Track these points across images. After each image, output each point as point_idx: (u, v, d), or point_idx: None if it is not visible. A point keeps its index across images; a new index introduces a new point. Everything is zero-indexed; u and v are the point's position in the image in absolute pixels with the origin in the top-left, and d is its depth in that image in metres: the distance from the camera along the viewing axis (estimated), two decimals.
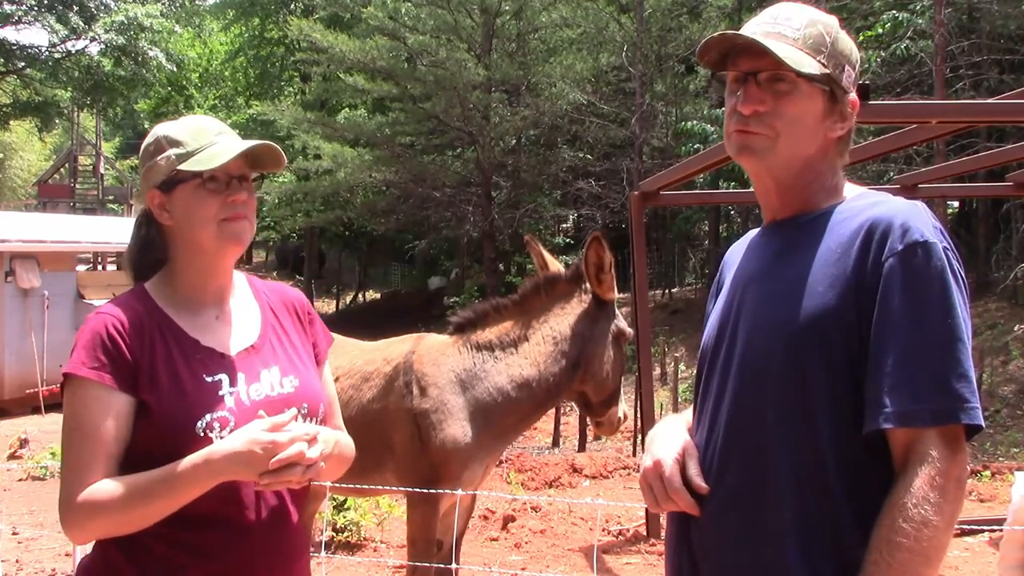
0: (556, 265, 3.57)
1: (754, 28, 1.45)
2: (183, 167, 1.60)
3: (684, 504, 1.42)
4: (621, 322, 3.47)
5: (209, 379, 1.60)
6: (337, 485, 3.41)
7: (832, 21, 1.49)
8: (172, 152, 1.62)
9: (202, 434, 1.55)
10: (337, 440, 1.69)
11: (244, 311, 1.73)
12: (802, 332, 1.35)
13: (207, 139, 1.63)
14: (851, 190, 1.50)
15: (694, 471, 1.43)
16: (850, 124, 1.48)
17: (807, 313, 1.35)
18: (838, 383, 1.33)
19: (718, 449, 1.44)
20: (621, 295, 19.53)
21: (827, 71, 1.43)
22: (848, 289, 1.33)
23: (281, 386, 1.66)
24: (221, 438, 1.54)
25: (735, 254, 1.63)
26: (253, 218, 1.66)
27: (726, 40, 1.46)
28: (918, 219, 1.34)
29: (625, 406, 3.57)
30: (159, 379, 1.57)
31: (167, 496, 1.49)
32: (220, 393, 1.59)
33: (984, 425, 1.30)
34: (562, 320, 3.42)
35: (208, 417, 1.56)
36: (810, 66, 1.41)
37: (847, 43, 1.49)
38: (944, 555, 1.28)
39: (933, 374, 1.27)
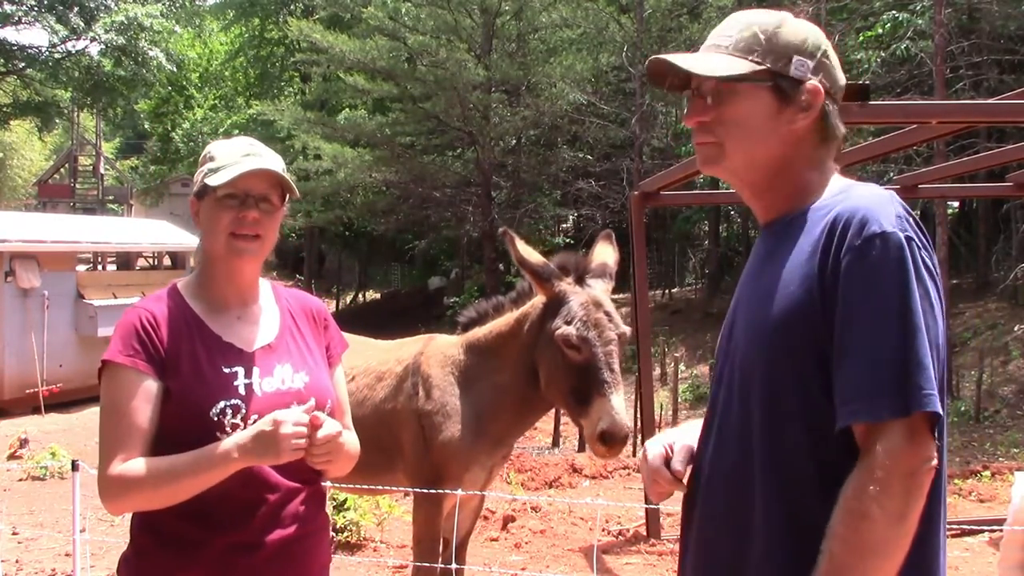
0: (536, 257, 3.12)
1: (701, 49, 1.50)
2: (207, 180, 1.77)
3: (665, 482, 1.50)
4: (559, 321, 2.96)
5: (227, 370, 1.75)
6: (348, 485, 3.41)
7: (772, 19, 1.47)
8: (207, 166, 1.80)
9: (216, 419, 1.70)
10: (343, 434, 1.77)
11: (265, 314, 1.88)
12: (777, 333, 1.36)
13: (233, 158, 1.78)
14: (839, 183, 1.47)
15: (676, 459, 1.51)
16: (815, 112, 1.44)
17: (781, 314, 1.36)
18: (811, 383, 1.33)
19: (712, 451, 1.48)
20: (621, 295, 19.53)
21: (761, 67, 1.43)
22: (814, 287, 1.33)
23: (292, 381, 1.81)
24: (233, 423, 1.70)
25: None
26: (268, 236, 1.81)
27: (659, 65, 1.50)
28: (880, 210, 1.33)
29: (606, 422, 2.80)
30: (182, 367, 1.73)
31: (191, 477, 1.65)
32: (235, 383, 1.74)
33: (941, 412, 1.28)
34: (527, 322, 3.19)
35: (222, 403, 1.71)
36: (729, 68, 1.42)
37: (794, 34, 1.46)
38: (893, 551, 1.25)
39: (887, 367, 1.26)
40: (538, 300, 3.15)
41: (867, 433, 1.27)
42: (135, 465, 1.66)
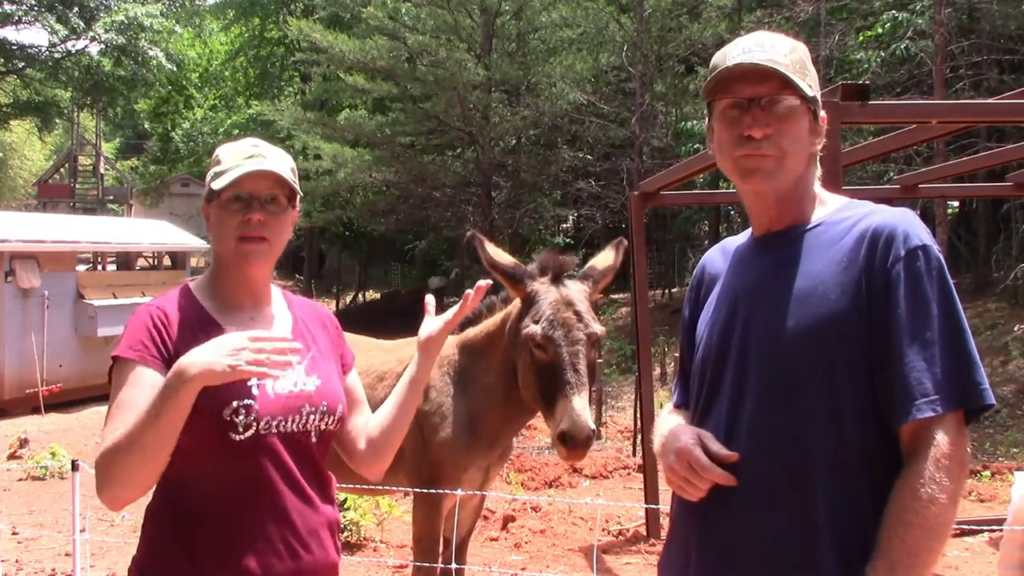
0: (506, 259, 3.13)
1: (746, 56, 1.51)
2: (212, 184, 1.77)
3: (719, 477, 1.48)
4: (527, 320, 2.95)
5: None
6: (349, 485, 3.41)
7: (802, 45, 1.58)
8: (213, 170, 1.79)
9: (228, 418, 1.67)
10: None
11: (278, 317, 1.89)
12: (824, 336, 1.45)
13: (236, 160, 1.77)
14: (834, 199, 1.60)
15: (716, 446, 1.51)
16: (823, 140, 1.59)
17: (826, 318, 1.45)
18: (859, 381, 1.44)
19: (741, 450, 1.50)
20: (621, 295, 19.50)
21: (812, 91, 1.53)
22: (859, 293, 1.44)
23: (304, 384, 1.80)
24: (246, 423, 1.68)
25: (715, 263, 1.71)
26: (276, 238, 1.80)
27: (737, 68, 1.51)
28: (914, 226, 1.47)
29: (566, 423, 2.74)
30: None
31: (153, 417, 1.55)
32: (248, 383, 1.70)
33: (995, 403, 1.42)
34: (509, 322, 3.16)
35: (235, 403, 1.69)
36: (807, 87, 1.51)
37: (812, 66, 1.59)
38: (950, 530, 1.39)
39: (949, 364, 1.39)
40: (519, 300, 3.11)
41: (926, 425, 1.38)
42: (108, 440, 1.60)
